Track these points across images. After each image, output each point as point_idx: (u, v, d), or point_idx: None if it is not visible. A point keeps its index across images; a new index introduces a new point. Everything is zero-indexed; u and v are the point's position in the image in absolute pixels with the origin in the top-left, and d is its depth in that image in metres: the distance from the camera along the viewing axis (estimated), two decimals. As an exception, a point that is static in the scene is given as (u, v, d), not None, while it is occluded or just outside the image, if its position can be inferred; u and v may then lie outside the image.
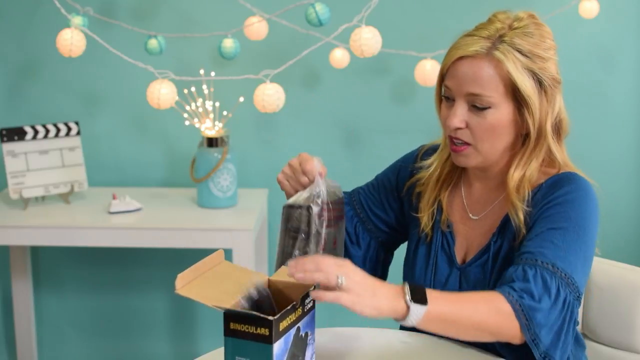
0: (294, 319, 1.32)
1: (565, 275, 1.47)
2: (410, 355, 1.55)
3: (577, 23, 2.87)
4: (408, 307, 1.37)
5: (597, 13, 2.77)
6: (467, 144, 1.57)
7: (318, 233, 1.51)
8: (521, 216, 1.56)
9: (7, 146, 2.76)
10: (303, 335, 1.36)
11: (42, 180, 2.79)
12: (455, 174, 1.71)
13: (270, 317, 1.26)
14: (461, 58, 1.55)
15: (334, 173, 3.02)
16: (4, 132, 2.75)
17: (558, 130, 1.61)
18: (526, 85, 1.53)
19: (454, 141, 1.59)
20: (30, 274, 3.07)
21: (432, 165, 1.72)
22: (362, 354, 1.55)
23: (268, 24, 2.72)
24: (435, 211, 1.70)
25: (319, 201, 1.52)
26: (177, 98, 2.54)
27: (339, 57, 2.76)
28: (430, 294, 1.40)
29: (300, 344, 1.35)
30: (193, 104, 2.79)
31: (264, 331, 1.27)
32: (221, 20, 2.86)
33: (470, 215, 1.67)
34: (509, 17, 1.58)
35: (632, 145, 3.03)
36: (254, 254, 2.66)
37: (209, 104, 2.79)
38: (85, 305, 3.18)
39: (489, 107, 1.54)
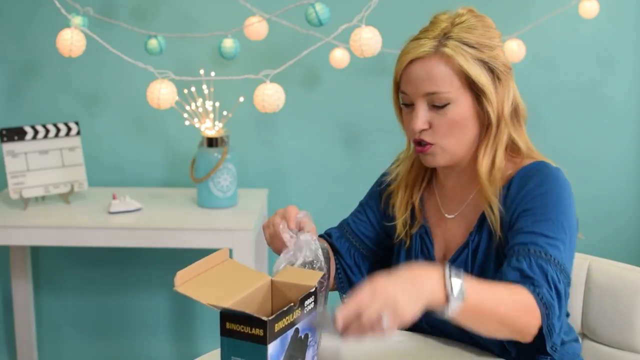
0: (292, 320, 1.31)
1: (559, 263, 1.48)
2: (408, 355, 1.55)
3: (577, 23, 2.87)
4: (447, 300, 1.33)
5: (597, 13, 2.77)
6: (432, 144, 1.58)
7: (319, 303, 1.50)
8: (496, 212, 1.57)
9: (7, 146, 2.76)
10: (303, 336, 1.34)
11: (42, 180, 2.79)
12: (423, 178, 1.72)
13: (265, 318, 1.25)
14: (412, 61, 1.58)
15: (334, 173, 3.04)
16: (4, 132, 2.75)
17: (516, 116, 1.62)
18: (479, 75, 1.55)
19: (419, 143, 1.60)
20: (30, 274, 3.07)
21: (398, 175, 1.73)
22: (359, 352, 1.55)
23: (268, 24, 2.72)
24: (408, 218, 1.70)
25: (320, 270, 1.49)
26: (177, 98, 2.54)
27: (339, 57, 2.76)
28: (468, 286, 1.35)
29: (299, 346, 1.34)
30: (193, 104, 2.79)
31: (258, 332, 1.26)
32: (221, 20, 2.86)
33: (446, 214, 1.67)
34: (450, 16, 1.61)
35: (632, 145, 3.03)
36: (254, 254, 2.66)
37: (209, 104, 2.79)
38: (85, 305, 3.18)
39: (448, 104, 1.56)
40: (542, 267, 1.46)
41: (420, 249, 1.69)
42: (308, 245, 1.51)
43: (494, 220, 1.57)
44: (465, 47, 1.55)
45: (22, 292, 3.05)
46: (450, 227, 1.66)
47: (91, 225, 2.64)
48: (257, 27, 2.69)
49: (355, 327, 1.27)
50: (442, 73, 1.55)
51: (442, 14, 1.61)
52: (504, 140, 1.60)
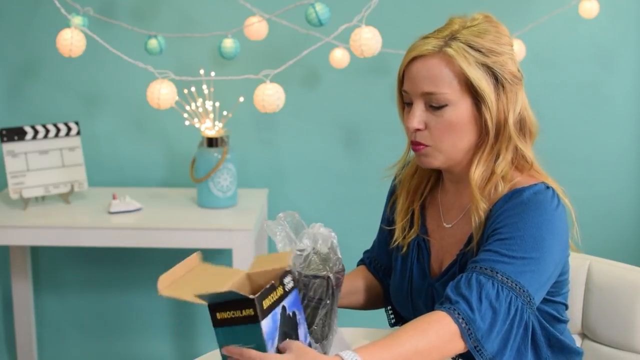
0: (277, 297, 1.33)
1: (508, 278, 1.44)
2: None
3: (577, 23, 2.87)
4: None
5: (597, 13, 2.77)
6: (427, 145, 1.56)
7: (334, 303, 1.50)
8: (481, 214, 1.54)
9: (7, 146, 2.76)
10: (291, 314, 1.37)
11: (42, 180, 2.79)
12: (427, 185, 1.70)
13: (252, 296, 1.27)
14: (414, 59, 1.55)
15: (334, 173, 3.04)
16: (4, 132, 2.75)
17: (522, 129, 1.58)
18: (480, 79, 1.51)
19: (415, 142, 1.57)
20: (30, 274, 3.07)
21: (402, 179, 1.73)
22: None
23: (268, 24, 2.72)
24: (407, 224, 1.70)
25: (337, 268, 1.50)
26: (177, 98, 2.54)
27: (339, 57, 2.76)
28: (364, 353, 1.34)
29: (290, 323, 1.36)
30: (193, 104, 2.79)
31: (249, 312, 1.28)
32: (221, 20, 2.86)
33: (444, 223, 1.66)
34: (464, 19, 1.58)
35: (632, 145, 3.03)
36: (254, 254, 2.66)
37: (209, 104, 2.79)
38: (85, 305, 3.18)
39: (446, 105, 1.53)
40: (481, 282, 1.43)
41: (417, 257, 1.67)
42: (325, 239, 1.50)
43: (477, 231, 1.54)
44: (470, 50, 1.51)
45: (22, 292, 3.05)
46: (447, 237, 1.64)
47: (91, 225, 2.64)
48: (257, 27, 2.69)
49: None
50: (442, 73, 1.52)
51: (458, 17, 1.59)
52: (508, 150, 1.55)
